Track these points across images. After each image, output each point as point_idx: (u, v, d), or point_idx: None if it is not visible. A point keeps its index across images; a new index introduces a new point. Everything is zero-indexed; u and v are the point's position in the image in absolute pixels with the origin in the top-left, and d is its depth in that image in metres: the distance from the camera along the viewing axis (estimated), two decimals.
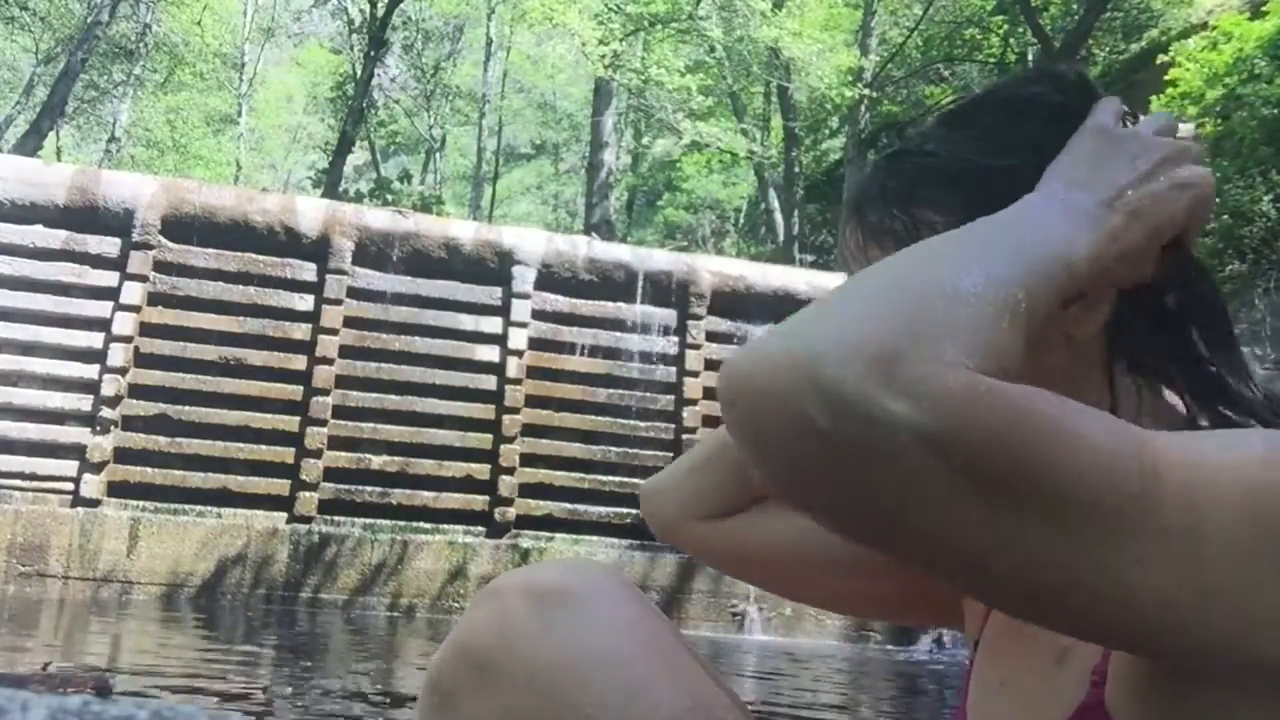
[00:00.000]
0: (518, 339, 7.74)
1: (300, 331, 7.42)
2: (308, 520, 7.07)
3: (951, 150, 0.79)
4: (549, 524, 7.53)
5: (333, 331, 7.43)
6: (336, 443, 7.28)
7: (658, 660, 0.75)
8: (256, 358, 7.31)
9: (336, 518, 7.17)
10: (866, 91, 15.54)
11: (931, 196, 0.78)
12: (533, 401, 7.71)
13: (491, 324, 7.79)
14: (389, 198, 15.31)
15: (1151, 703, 0.61)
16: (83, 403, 6.92)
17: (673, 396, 8.00)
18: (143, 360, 7.11)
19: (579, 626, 0.74)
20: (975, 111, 0.81)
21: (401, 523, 7.27)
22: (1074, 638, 0.67)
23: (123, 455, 6.91)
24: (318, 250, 7.52)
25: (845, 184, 15.93)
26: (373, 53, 14.95)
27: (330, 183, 15.08)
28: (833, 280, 8.58)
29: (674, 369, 8.03)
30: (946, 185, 0.78)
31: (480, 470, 7.49)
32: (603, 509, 7.63)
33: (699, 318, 8.11)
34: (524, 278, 7.84)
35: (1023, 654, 0.80)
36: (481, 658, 0.76)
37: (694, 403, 7.96)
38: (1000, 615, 0.88)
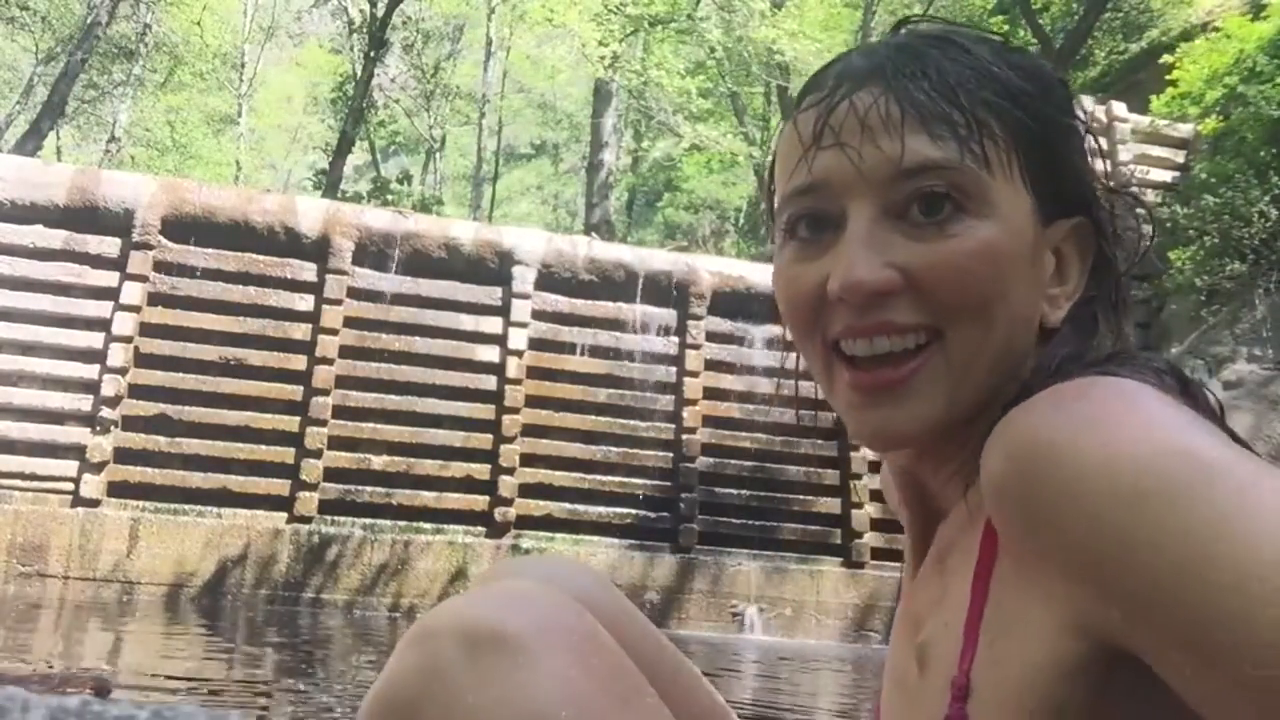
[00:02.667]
0: (518, 339, 7.74)
1: (300, 331, 7.42)
2: (307, 520, 7.07)
3: (1013, 78, 0.72)
4: (549, 524, 7.53)
5: (333, 332, 7.43)
6: (336, 443, 7.28)
7: (609, 709, 0.67)
8: (256, 358, 7.30)
9: (337, 518, 7.17)
10: None
11: (995, 104, 0.70)
12: (533, 402, 7.71)
13: (491, 324, 7.79)
14: (389, 198, 15.31)
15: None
16: (83, 403, 6.92)
17: (673, 396, 7.99)
18: (143, 360, 7.11)
19: (517, 676, 0.66)
20: (1025, 59, 0.75)
21: (402, 523, 7.27)
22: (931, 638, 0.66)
23: (123, 455, 6.91)
24: (318, 250, 7.52)
25: None
26: (373, 53, 14.94)
27: (330, 183, 15.07)
28: None
29: (674, 369, 8.03)
30: (1010, 102, 0.71)
31: (480, 470, 7.49)
32: (603, 509, 7.62)
33: (699, 318, 8.10)
34: (524, 278, 7.84)
35: (900, 643, 0.76)
36: (407, 713, 0.67)
37: (694, 403, 7.96)
38: (908, 594, 0.81)
